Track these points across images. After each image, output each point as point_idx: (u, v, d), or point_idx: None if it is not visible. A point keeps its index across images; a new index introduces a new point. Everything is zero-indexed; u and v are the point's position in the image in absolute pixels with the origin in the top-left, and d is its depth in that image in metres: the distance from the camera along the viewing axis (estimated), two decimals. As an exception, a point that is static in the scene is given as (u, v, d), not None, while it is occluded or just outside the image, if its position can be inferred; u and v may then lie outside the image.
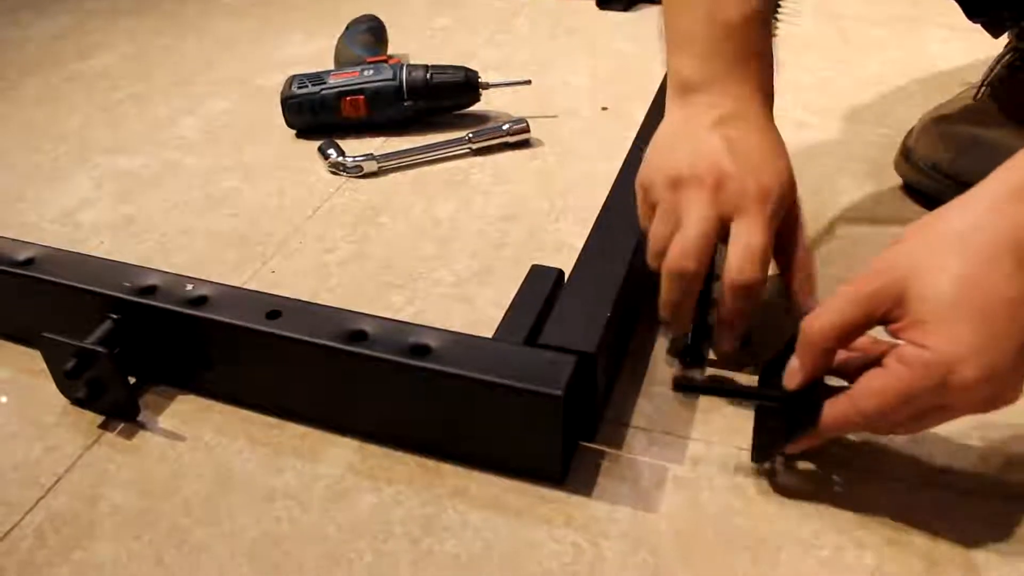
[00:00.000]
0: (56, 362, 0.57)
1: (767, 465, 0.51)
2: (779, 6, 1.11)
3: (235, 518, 0.50)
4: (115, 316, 0.57)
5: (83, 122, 0.99)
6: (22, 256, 0.61)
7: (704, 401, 0.56)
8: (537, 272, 0.58)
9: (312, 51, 1.13)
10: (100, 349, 0.54)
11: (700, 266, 0.52)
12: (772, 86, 0.58)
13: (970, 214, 0.42)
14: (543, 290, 0.56)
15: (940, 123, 0.73)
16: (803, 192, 0.64)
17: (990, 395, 0.41)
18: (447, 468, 0.52)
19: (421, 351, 0.50)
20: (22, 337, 0.64)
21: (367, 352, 0.50)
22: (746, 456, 0.52)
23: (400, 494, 0.51)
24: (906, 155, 0.74)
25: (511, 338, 0.52)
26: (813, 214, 0.72)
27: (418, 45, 1.11)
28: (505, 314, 0.55)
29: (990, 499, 0.49)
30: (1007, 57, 0.74)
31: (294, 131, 0.91)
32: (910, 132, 0.76)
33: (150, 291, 0.57)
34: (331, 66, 1.02)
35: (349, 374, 0.52)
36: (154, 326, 0.56)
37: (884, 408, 0.43)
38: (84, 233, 0.77)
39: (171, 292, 0.57)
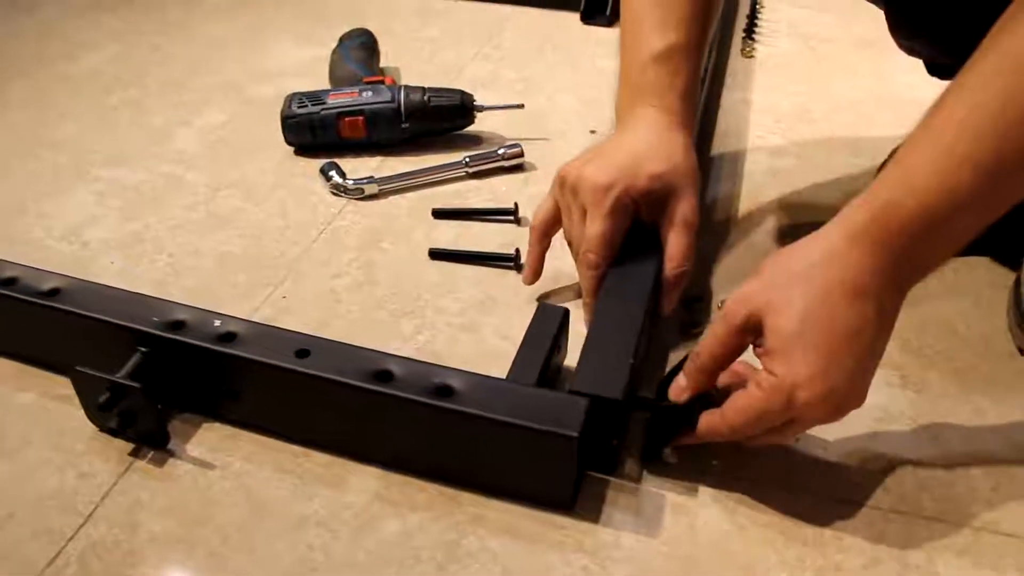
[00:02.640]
0: (88, 393, 0.59)
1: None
2: (756, 27, 1.16)
3: (270, 545, 0.54)
4: (144, 349, 0.60)
5: (77, 129, 1.00)
6: (46, 286, 0.64)
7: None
8: (544, 311, 0.62)
9: (302, 60, 1.15)
10: (134, 384, 0.56)
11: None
12: (689, 111, 0.67)
13: (814, 253, 0.51)
14: (550, 330, 0.61)
15: None
16: (783, 221, 0.69)
17: (832, 408, 0.50)
18: (465, 496, 0.57)
19: (445, 392, 0.54)
20: (44, 361, 0.67)
21: (394, 392, 0.54)
22: (739, 483, 0.57)
23: (423, 521, 0.55)
24: None
25: (524, 379, 0.56)
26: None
27: (408, 57, 1.13)
28: (517, 354, 0.59)
29: (959, 527, 0.54)
30: None
31: (292, 148, 0.93)
32: (883, 168, 0.81)
33: (179, 326, 0.60)
34: (323, 77, 1.05)
35: (375, 410, 0.56)
36: (183, 360, 0.59)
37: (745, 422, 0.52)
38: (93, 252, 0.79)
39: (200, 328, 0.59)
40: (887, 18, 0.74)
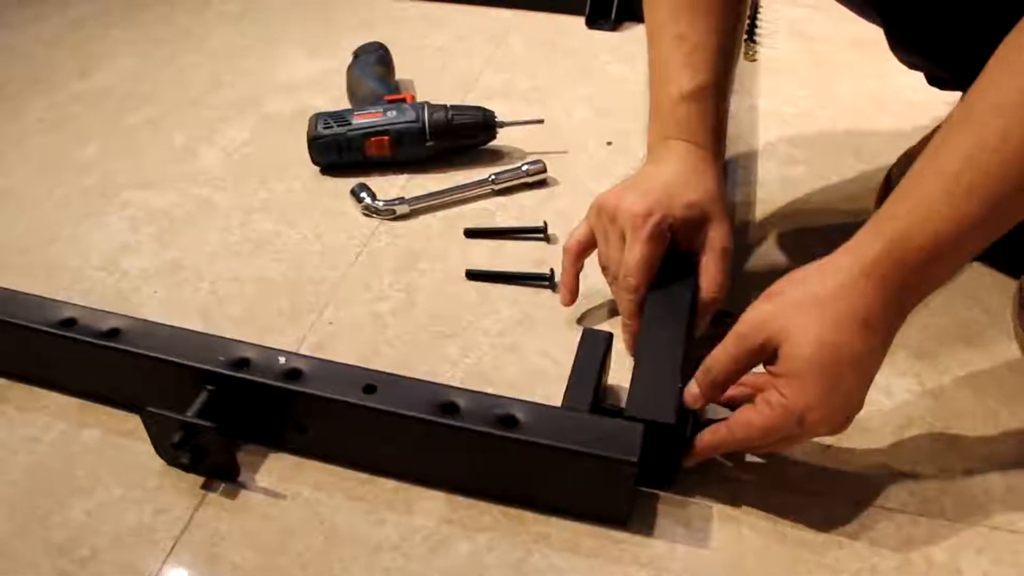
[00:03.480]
0: (159, 432, 0.62)
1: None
2: (756, 28, 1.19)
3: (348, 570, 0.57)
4: (211, 387, 0.62)
5: (100, 150, 1.01)
6: (106, 326, 0.66)
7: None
8: (589, 336, 0.66)
9: (315, 72, 1.17)
10: (207, 424, 0.59)
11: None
12: (718, 146, 0.72)
13: (828, 283, 0.54)
14: (597, 354, 0.64)
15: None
16: (797, 231, 0.75)
17: (835, 427, 0.56)
18: (527, 515, 0.60)
19: (509, 422, 0.58)
20: (106, 398, 0.69)
21: (461, 425, 0.57)
22: (777, 492, 0.61)
23: (491, 541, 0.59)
24: None
25: (579, 405, 0.60)
26: (803, 252, 0.81)
27: (420, 68, 1.15)
28: (569, 380, 0.62)
29: (977, 527, 0.59)
30: None
31: (317, 167, 0.95)
32: (889, 175, 0.85)
33: (244, 363, 0.63)
34: (339, 90, 1.07)
35: (441, 440, 0.59)
36: (250, 396, 0.62)
37: (751, 436, 0.57)
38: (134, 282, 0.81)
39: (266, 365, 0.62)
40: (886, 35, 0.77)
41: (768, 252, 0.83)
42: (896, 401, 0.68)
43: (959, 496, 0.61)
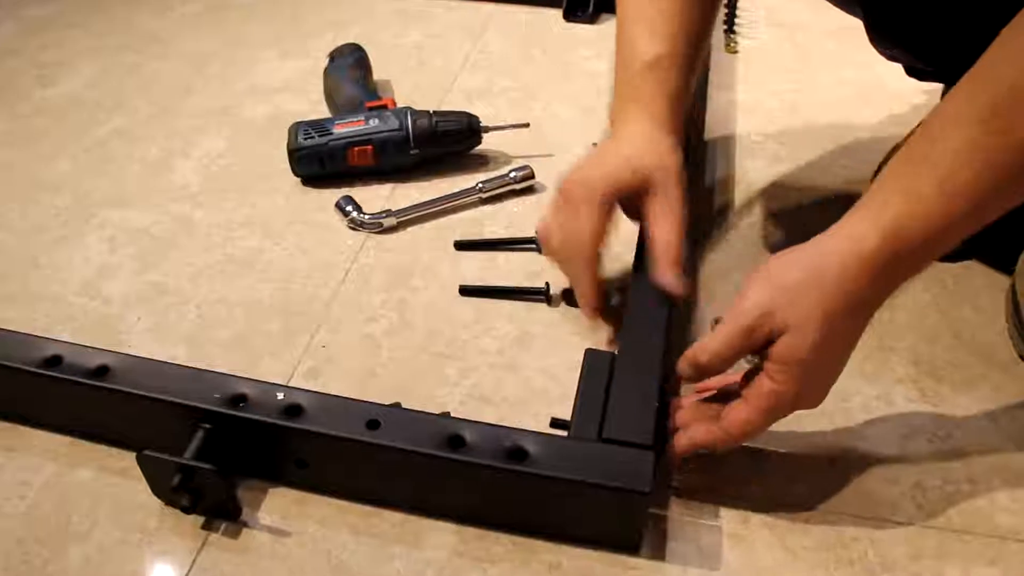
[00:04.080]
0: (155, 474, 0.60)
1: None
2: (735, 19, 1.18)
3: (360, 612, 0.57)
4: (207, 426, 0.61)
5: (72, 167, 0.98)
6: (93, 364, 0.64)
7: (741, 460, 0.64)
8: (592, 358, 0.65)
9: (289, 75, 1.13)
10: (207, 467, 0.58)
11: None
12: (675, 117, 0.71)
13: (826, 271, 0.54)
14: (602, 377, 0.63)
15: None
16: (782, 230, 0.78)
17: (812, 407, 0.59)
18: (538, 544, 0.60)
19: (518, 455, 0.57)
20: (97, 436, 0.67)
21: (470, 460, 0.56)
22: (784, 509, 0.61)
23: (504, 573, 0.58)
24: None
25: (587, 433, 0.59)
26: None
27: (396, 68, 1.12)
28: (575, 407, 0.61)
29: (986, 538, 0.59)
30: None
31: (299, 178, 0.93)
32: (879, 171, 0.84)
33: (241, 400, 0.61)
34: (315, 93, 1.04)
35: (449, 474, 0.58)
36: (249, 434, 0.60)
37: (747, 432, 0.58)
38: (117, 308, 0.79)
39: (264, 402, 0.60)
40: (866, 27, 0.76)
41: (754, 253, 0.83)
42: (896, 410, 0.68)
43: (965, 507, 0.61)
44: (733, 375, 0.61)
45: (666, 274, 0.66)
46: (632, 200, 0.69)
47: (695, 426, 0.60)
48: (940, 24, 0.68)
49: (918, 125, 0.83)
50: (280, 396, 0.61)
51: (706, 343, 0.58)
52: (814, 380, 0.57)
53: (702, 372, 0.59)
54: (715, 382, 0.63)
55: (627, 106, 0.71)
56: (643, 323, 0.67)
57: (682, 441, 0.60)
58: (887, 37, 0.77)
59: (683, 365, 0.60)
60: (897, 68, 0.83)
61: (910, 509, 0.61)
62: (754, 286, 0.57)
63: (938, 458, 0.64)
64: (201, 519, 0.61)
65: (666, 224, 0.68)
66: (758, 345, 0.56)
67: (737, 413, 0.58)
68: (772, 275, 0.57)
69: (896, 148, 0.84)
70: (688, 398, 0.64)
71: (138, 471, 0.61)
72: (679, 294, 0.67)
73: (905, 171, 0.54)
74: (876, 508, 0.61)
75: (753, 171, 0.94)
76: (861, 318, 0.56)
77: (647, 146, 0.69)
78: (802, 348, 0.54)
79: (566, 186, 0.70)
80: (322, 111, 1.01)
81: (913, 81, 0.84)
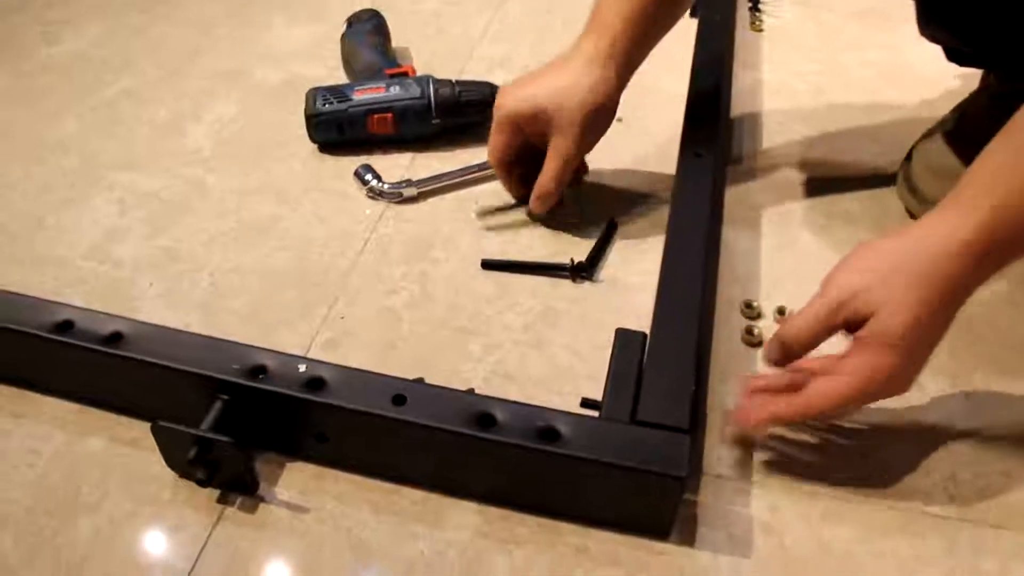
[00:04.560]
0: (170, 445, 0.58)
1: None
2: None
3: (382, 592, 0.55)
4: (225, 397, 0.58)
5: (78, 127, 0.95)
6: (106, 330, 0.61)
7: (776, 446, 0.63)
8: (623, 338, 0.63)
9: (303, 41, 1.10)
10: (225, 439, 0.55)
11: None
12: (622, 36, 0.75)
13: (924, 258, 0.54)
14: (634, 357, 0.61)
15: (935, 161, 0.79)
16: (810, 213, 0.77)
17: (898, 394, 0.57)
18: (564, 527, 0.58)
19: (550, 435, 0.55)
20: (108, 404, 0.65)
21: (501, 439, 0.54)
22: (817, 500, 0.60)
23: (529, 555, 0.56)
24: (911, 189, 0.81)
25: (619, 415, 0.57)
26: (829, 240, 0.80)
27: (415, 35, 1.09)
28: (607, 386, 0.60)
29: (1020, 532, 0.58)
30: (982, 98, 0.81)
31: (316, 144, 0.90)
32: (908, 160, 0.83)
33: (261, 371, 0.59)
34: (331, 60, 1.01)
35: (476, 453, 0.56)
36: (268, 406, 0.58)
37: (831, 406, 0.57)
38: (127, 272, 0.76)
39: (284, 374, 0.58)
40: (917, 10, 0.74)
41: (793, 242, 0.80)
42: (930, 401, 0.66)
43: (1000, 501, 0.60)
44: (814, 360, 0.60)
45: (534, 203, 0.78)
46: (532, 133, 0.76)
47: (774, 398, 0.59)
48: (995, 8, 0.67)
49: (948, 115, 0.82)
50: (302, 368, 0.59)
51: (792, 318, 0.58)
52: (901, 363, 0.55)
53: (788, 351, 0.58)
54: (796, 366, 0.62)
55: (586, 29, 0.77)
56: (676, 304, 0.65)
57: (761, 413, 0.59)
58: (939, 20, 0.75)
59: (770, 346, 0.59)
60: (926, 52, 0.80)
61: (943, 501, 0.60)
62: (841, 269, 0.57)
63: (972, 451, 0.63)
64: (216, 492, 0.60)
65: (549, 163, 0.76)
66: (845, 324, 0.56)
67: (821, 384, 0.57)
68: (860, 258, 0.57)
69: (929, 133, 0.82)
70: (762, 377, 0.63)
71: (150, 441, 0.59)
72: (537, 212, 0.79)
73: (1001, 161, 0.54)
74: (909, 500, 0.60)
75: (779, 152, 0.91)
76: (952, 305, 0.55)
77: (570, 80, 0.74)
78: (892, 328, 0.54)
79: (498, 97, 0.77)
80: (338, 77, 0.98)
81: (938, 65, 0.82)
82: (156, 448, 0.59)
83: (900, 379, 0.56)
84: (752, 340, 0.70)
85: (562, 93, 0.73)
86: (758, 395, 0.60)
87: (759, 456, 0.62)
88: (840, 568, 0.56)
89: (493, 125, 0.76)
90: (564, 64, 0.75)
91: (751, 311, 0.72)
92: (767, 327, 0.71)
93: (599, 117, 0.75)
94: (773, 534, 0.58)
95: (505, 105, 0.75)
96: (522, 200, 0.81)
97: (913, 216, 0.81)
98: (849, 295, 0.55)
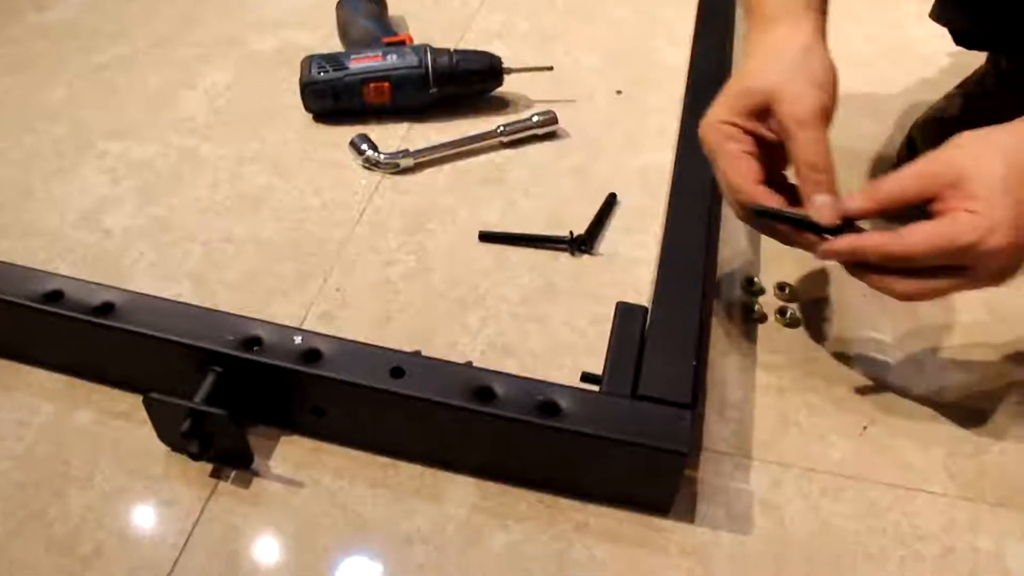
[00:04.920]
0: (163, 419, 0.57)
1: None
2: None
3: (380, 567, 0.54)
4: (218, 369, 0.57)
5: (68, 95, 0.93)
6: (98, 300, 0.60)
7: (773, 424, 0.62)
8: (625, 312, 0.62)
9: (297, 6, 1.08)
10: (219, 412, 0.54)
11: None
12: (822, 21, 0.62)
13: (1012, 132, 0.53)
14: (635, 331, 0.60)
15: (937, 139, 0.78)
16: None
17: (1011, 265, 0.52)
18: (564, 503, 0.57)
19: (550, 409, 0.54)
20: (97, 376, 0.63)
21: (500, 413, 0.54)
22: (816, 476, 0.59)
23: (528, 531, 0.56)
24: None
25: (620, 390, 0.56)
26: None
27: (411, 5, 1.07)
28: (607, 361, 0.59)
29: (1020, 511, 0.57)
30: (988, 80, 0.80)
31: (310, 114, 0.88)
32: (910, 136, 0.81)
33: (255, 343, 0.57)
34: (327, 27, 0.99)
35: (475, 427, 0.55)
36: (263, 379, 0.57)
37: (924, 248, 0.52)
38: (117, 242, 0.75)
39: (279, 345, 0.57)
40: None
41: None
42: (929, 378, 0.65)
43: (997, 479, 0.59)
44: None
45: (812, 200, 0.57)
46: (766, 112, 0.59)
47: (863, 235, 0.55)
48: None
49: (947, 96, 0.80)
50: (297, 340, 0.57)
51: (892, 174, 0.54)
52: (1012, 219, 0.50)
53: (879, 203, 0.54)
54: None
55: (770, 26, 0.61)
56: (677, 278, 0.64)
57: (841, 244, 0.55)
58: (956, 3, 0.73)
59: (862, 199, 0.55)
60: (927, 31, 0.79)
61: (942, 478, 0.59)
62: (934, 152, 0.54)
63: (970, 428, 0.62)
64: (209, 467, 0.59)
65: (802, 143, 0.56)
66: (934, 190, 0.53)
67: (920, 225, 0.52)
68: (952, 142, 0.54)
69: (925, 119, 0.81)
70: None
71: (141, 414, 0.58)
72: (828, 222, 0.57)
73: None
74: (908, 476, 0.59)
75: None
76: None
77: (804, 69, 0.58)
78: (990, 176, 0.51)
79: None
80: (333, 46, 0.96)
81: (945, 44, 0.80)
82: (147, 421, 0.58)
83: (1007, 234, 0.50)
84: (753, 316, 0.69)
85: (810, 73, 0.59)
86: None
87: (757, 433, 0.62)
88: (839, 544, 0.55)
89: (800, 131, 0.56)
90: (781, 54, 0.60)
91: (752, 287, 0.72)
92: (767, 303, 0.70)
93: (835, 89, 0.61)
94: (773, 510, 0.57)
95: (806, 99, 0.56)
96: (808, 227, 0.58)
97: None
98: (938, 160, 0.53)
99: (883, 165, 0.83)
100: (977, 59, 0.82)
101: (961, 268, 0.52)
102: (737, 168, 0.58)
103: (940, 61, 0.96)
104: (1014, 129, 0.53)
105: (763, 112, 0.58)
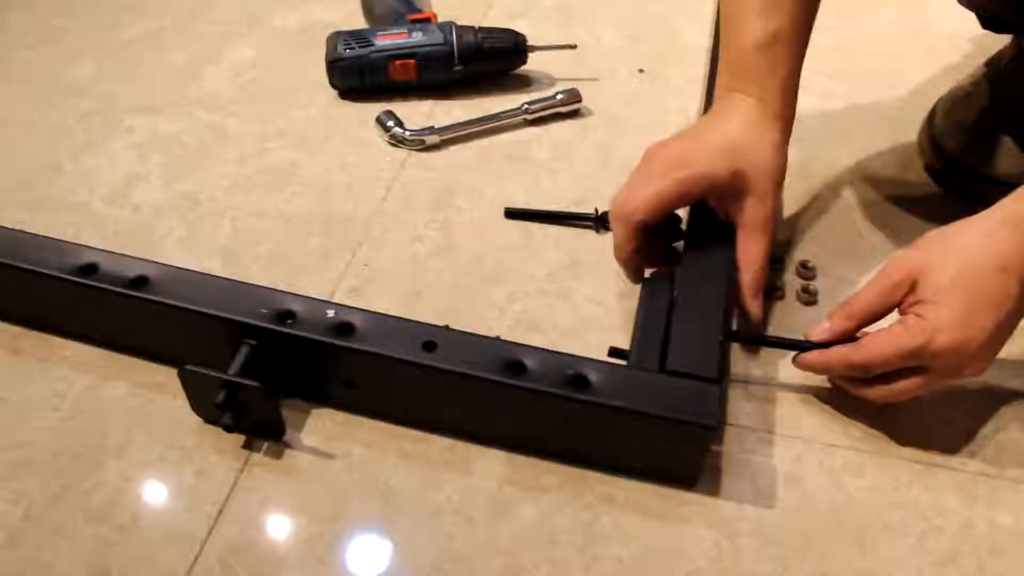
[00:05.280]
0: (197, 390, 0.58)
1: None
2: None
3: (411, 537, 0.55)
4: (252, 342, 0.58)
5: (96, 70, 0.93)
6: (132, 273, 0.61)
7: (797, 399, 0.63)
8: (651, 287, 0.63)
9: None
10: (255, 384, 0.55)
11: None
12: (787, 105, 0.66)
13: (972, 234, 0.56)
14: (662, 306, 0.61)
15: (960, 118, 0.78)
16: (840, 172, 0.76)
17: (961, 362, 0.55)
18: (591, 475, 0.58)
19: (580, 383, 0.55)
20: (130, 348, 0.65)
21: (530, 386, 0.54)
22: (839, 451, 0.60)
23: (556, 503, 0.57)
24: (934, 146, 0.79)
25: (648, 365, 0.57)
26: (850, 197, 0.79)
27: (434, -19, 1.07)
28: (634, 335, 0.59)
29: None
30: (1015, 62, 0.79)
31: (335, 90, 0.89)
32: (933, 113, 0.81)
33: (289, 316, 0.58)
34: (351, 5, 0.99)
35: (506, 400, 0.56)
36: (296, 352, 0.58)
37: (881, 355, 0.56)
38: (147, 217, 0.76)
39: (313, 319, 0.58)
40: None
41: (822, 200, 0.79)
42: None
43: (1018, 455, 0.60)
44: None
45: (751, 304, 0.63)
46: (722, 198, 0.64)
47: (830, 349, 0.59)
48: None
49: (972, 76, 0.80)
50: (330, 313, 0.58)
51: (857, 293, 0.59)
52: (957, 321, 0.54)
53: (851, 316, 0.58)
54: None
55: (736, 87, 0.65)
56: (705, 254, 0.64)
57: (811, 358, 0.59)
58: None
59: (836, 317, 0.59)
60: (951, 11, 0.78)
61: (963, 454, 0.60)
62: (898, 256, 0.58)
63: (991, 405, 0.62)
64: (241, 439, 0.60)
65: (754, 244, 0.63)
66: (901, 294, 0.57)
67: (874, 335, 0.56)
68: (918, 243, 0.58)
69: (954, 91, 0.80)
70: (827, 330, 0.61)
71: (174, 386, 0.59)
72: (758, 320, 0.64)
73: None
74: (929, 452, 0.60)
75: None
76: (1005, 275, 0.54)
77: (751, 141, 0.63)
78: (937, 283, 0.54)
79: (651, 149, 0.64)
80: (356, 22, 0.96)
81: (969, 25, 0.80)
82: (181, 393, 0.59)
83: (953, 334, 0.53)
84: (776, 294, 0.70)
85: (754, 151, 0.63)
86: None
87: (780, 408, 0.62)
88: (861, 519, 0.56)
89: (656, 182, 0.61)
90: (735, 122, 0.64)
91: (776, 265, 0.72)
92: (790, 281, 0.71)
93: (782, 182, 0.65)
94: (796, 486, 0.58)
95: (696, 162, 0.61)
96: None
97: (933, 172, 0.80)
98: (896, 266, 0.57)
99: (906, 140, 0.83)
100: (1001, 40, 0.82)
101: (922, 368, 0.56)
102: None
103: (960, 42, 0.96)
104: (977, 226, 0.56)
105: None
